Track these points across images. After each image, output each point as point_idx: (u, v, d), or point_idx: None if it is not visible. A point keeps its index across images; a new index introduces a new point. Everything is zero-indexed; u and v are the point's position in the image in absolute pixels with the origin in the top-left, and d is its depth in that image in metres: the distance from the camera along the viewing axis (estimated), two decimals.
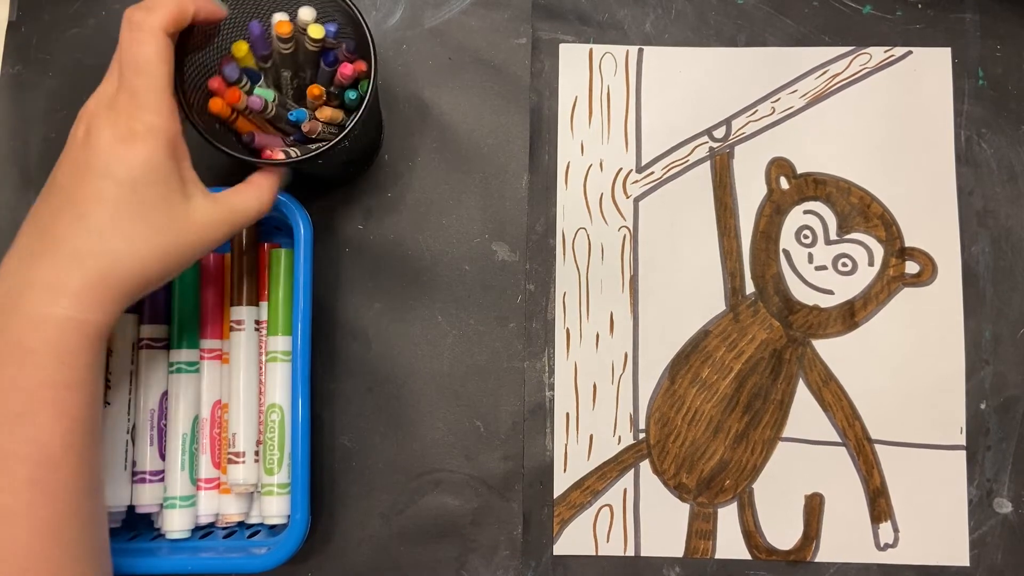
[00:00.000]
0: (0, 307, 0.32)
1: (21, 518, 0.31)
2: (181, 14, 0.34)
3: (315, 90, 0.41)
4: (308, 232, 0.42)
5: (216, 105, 0.39)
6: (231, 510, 0.43)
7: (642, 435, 0.46)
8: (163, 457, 0.43)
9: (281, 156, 0.40)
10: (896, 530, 0.45)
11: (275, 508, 0.42)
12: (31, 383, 0.31)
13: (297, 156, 0.40)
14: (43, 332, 0.32)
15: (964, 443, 0.46)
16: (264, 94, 0.40)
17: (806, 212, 0.48)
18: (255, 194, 0.39)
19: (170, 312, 0.44)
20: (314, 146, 0.40)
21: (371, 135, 0.46)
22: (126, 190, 0.33)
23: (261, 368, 0.44)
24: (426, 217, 0.48)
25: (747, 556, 0.45)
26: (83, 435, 0.33)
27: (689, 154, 0.48)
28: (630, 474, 0.46)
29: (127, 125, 0.33)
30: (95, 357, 0.33)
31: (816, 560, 0.45)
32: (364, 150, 0.46)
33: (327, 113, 0.41)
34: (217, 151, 0.38)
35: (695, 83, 0.49)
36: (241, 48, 0.40)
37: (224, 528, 0.44)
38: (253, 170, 0.40)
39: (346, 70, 0.40)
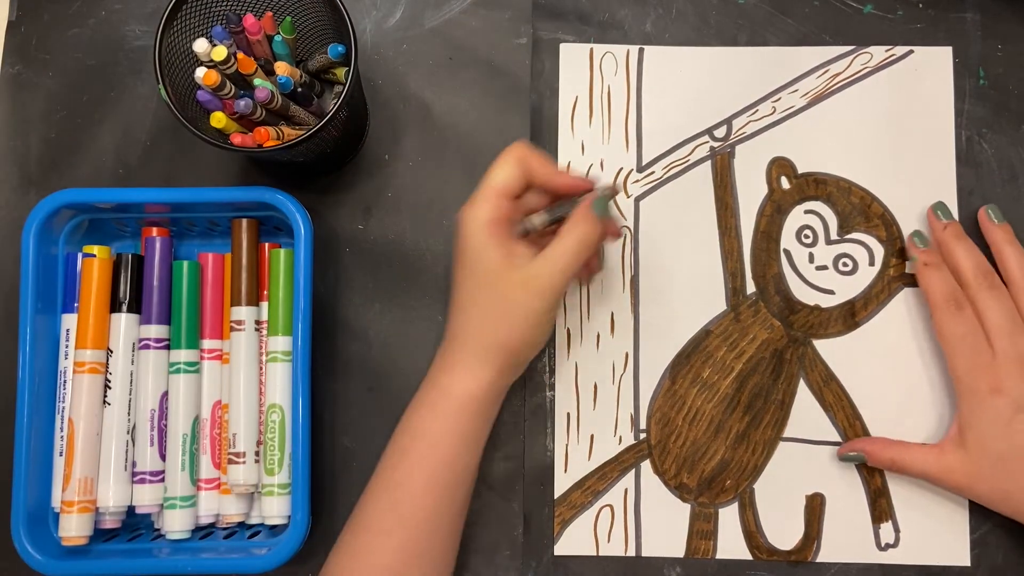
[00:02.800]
0: (465, 374, 0.41)
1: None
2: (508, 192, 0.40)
3: (247, 63, 0.40)
4: (308, 232, 0.42)
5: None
6: (231, 510, 0.43)
7: (643, 435, 0.46)
8: (163, 457, 0.43)
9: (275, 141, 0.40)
10: (897, 530, 0.45)
11: (276, 508, 0.42)
12: (466, 431, 0.41)
13: (286, 140, 0.40)
14: (484, 400, 0.41)
15: None
16: (264, 84, 0.40)
17: (807, 212, 0.47)
18: (575, 235, 0.40)
19: (170, 312, 0.44)
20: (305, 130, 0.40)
21: (358, 105, 0.45)
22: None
23: (261, 368, 0.44)
24: (426, 217, 0.48)
25: (748, 556, 0.45)
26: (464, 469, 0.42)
27: (690, 154, 0.48)
28: (631, 474, 0.46)
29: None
30: None
31: (817, 560, 0.45)
32: (352, 122, 0.45)
33: (284, 67, 0.41)
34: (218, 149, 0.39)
35: (696, 83, 0.49)
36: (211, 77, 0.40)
37: (224, 528, 0.44)
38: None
39: (248, 22, 0.40)
